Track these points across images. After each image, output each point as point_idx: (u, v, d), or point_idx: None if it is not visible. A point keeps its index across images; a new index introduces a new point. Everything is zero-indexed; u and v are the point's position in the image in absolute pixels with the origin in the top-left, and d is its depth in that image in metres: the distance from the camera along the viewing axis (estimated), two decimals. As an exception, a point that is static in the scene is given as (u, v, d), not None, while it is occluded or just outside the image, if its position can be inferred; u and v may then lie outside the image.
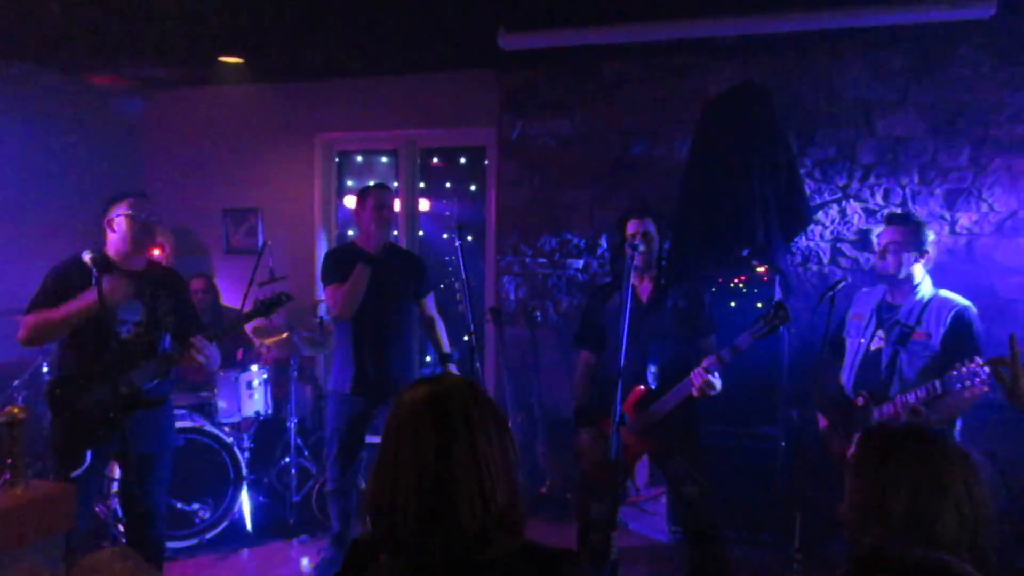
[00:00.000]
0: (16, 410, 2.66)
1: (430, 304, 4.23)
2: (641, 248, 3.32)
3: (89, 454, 3.21)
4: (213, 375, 4.70)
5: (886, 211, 4.71)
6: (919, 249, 3.35)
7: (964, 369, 3.00)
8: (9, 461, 2.68)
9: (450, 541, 1.40)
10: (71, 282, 3.25)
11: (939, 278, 3.46)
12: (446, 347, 4.23)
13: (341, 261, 4.02)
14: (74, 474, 3.17)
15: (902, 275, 3.35)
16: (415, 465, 1.42)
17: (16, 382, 4.78)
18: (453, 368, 4.15)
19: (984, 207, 4.57)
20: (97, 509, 4.13)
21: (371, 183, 4.36)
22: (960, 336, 3.22)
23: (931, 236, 3.41)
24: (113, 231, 3.36)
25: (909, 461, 1.57)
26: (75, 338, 3.29)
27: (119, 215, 3.33)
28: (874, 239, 4.71)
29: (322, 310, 5.24)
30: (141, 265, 3.43)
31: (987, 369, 2.98)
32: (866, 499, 1.58)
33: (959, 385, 3.01)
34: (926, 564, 1.31)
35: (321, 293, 6.00)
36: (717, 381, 3.22)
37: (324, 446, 4.73)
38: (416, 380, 1.56)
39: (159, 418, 3.43)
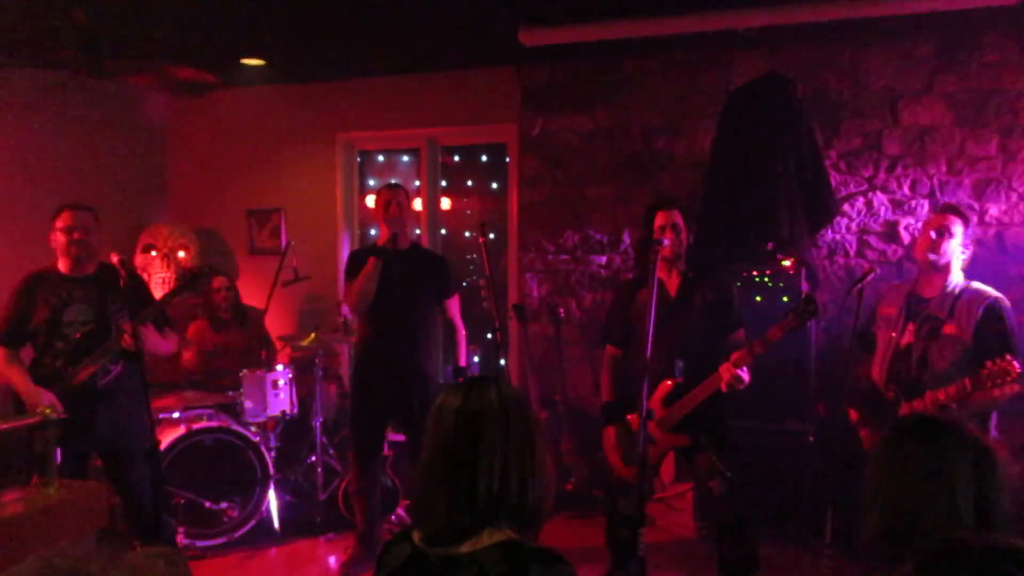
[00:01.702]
0: (47, 410, 2.69)
1: (452, 308, 4.22)
2: (667, 242, 3.30)
3: (59, 453, 3.28)
4: (239, 377, 4.76)
5: (913, 202, 4.65)
6: (966, 246, 3.32)
7: (995, 367, 2.95)
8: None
9: (459, 512, 1.53)
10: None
11: (969, 269, 3.41)
12: (462, 360, 4.22)
13: (358, 260, 4.06)
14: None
15: (943, 263, 3.31)
16: (447, 443, 1.58)
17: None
18: None
19: (1014, 197, 4.49)
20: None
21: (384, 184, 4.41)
22: (992, 329, 3.17)
23: (972, 234, 3.42)
24: (53, 246, 3.58)
25: (906, 444, 1.54)
26: (31, 344, 3.56)
27: (53, 230, 3.54)
28: (902, 231, 4.66)
29: (345, 309, 5.26)
30: (92, 270, 3.62)
31: (1019, 366, 2.93)
32: (868, 485, 1.56)
33: (990, 383, 2.96)
34: (999, 549, 1.26)
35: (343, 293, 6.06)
36: (745, 375, 3.20)
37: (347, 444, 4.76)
38: (456, 386, 1.67)
39: (125, 415, 3.57)
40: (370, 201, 6.17)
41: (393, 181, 4.60)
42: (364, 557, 4.12)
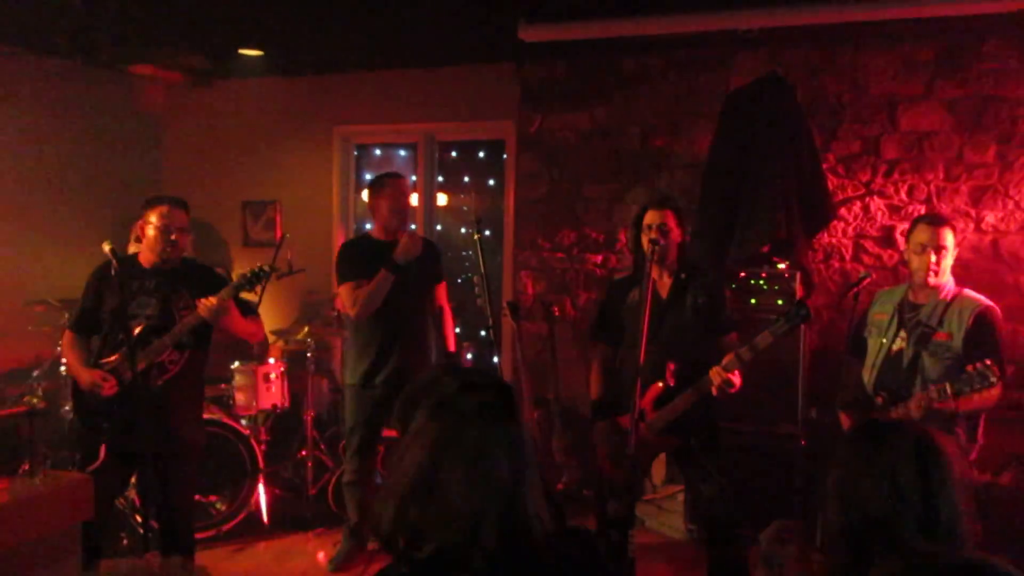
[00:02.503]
0: (35, 400, 2.67)
1: (441, 294, 4.15)
2: (660, 241, 3.27)
3: (103, 449, 3.23)
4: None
5: (910, 208, 4.64)
6: (952, 250, 3.30)
7: (974, 371, 2.95)
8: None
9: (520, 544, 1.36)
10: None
11: (964, 276, 3.40)
12: (451, 345, 4.18)
13: (357, 257, 3.94)
14: (89, 469, 3.18)
15: (944, 278, 3.28)
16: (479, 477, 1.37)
17: (35, 373, 4.81)
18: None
19: (1010, 204, 4.48)
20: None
21: (385, 173, 4.27)
22: (982, 337, 3.16)
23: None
24: (143, 237, 3.42)
25: (855, 442, 1.67)
26: (96, 334, 3.42)
27: (149, 224, 3.37)
28: (898, 236, 4.65)
29: (339, 303, 5.24)
30: (173, 263, 3.43)
31: (997, 370, 2.92)
32: (823, 484, 1.67)
33: (968, 387, 2.95)
34: (970, 565, 1.28)
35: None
36: (736, 379, 3.18)
37: (344, 440, 4.72)
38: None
39: (176, 416, 3.39)
40: (366, 194, 6.15)
41: (413, 178, 4.45)
42: (355, 551, 4.09)
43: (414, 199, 6.06)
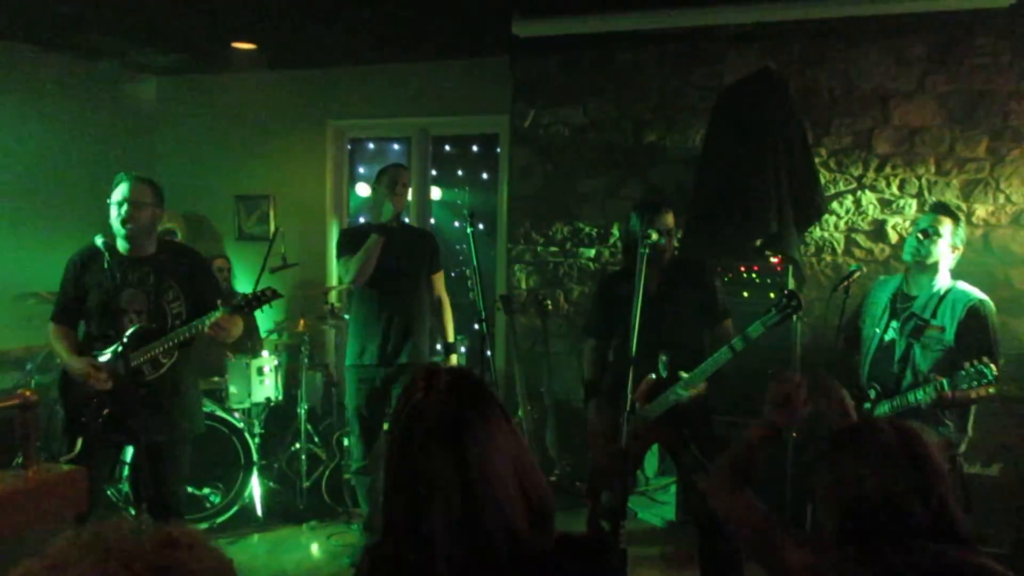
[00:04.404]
0: (28, 393, 2.67)
1: (438, 283, 4.19)
2: (662, 242, 3.29)
3: (80, 441, 3.15)
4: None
5: (901, 202, 4.67)
6: (956, 246, 3.32)
7: (972, 368, 2.96)
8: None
9: (496, 542, 1.31)
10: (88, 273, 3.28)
11: (956, 270, 3.42)
12: (450, 335, 4.20)
13: (355, 236, 4.02)
14: (63, 459, 3.11)
15: (930, 261, 3.30)
16: (449, 474, 1.33)
17: (28, 366, 4.81)
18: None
19: (1001, 198, 4.52)
20: (108, 493, 4.16)
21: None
22: (974, 331, 3.18)
23: (963, 234, 3.38)
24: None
25: (838, 442, 1.69)
26: (86, 327, 3.33)
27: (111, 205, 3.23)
28: (889, 230, 4.68)
29: (332, 297, 5.25)
30: (152, 249, 3.31)
31: (994, 369, 2.94)
32: (821, 486, 1.71)
33: (966, 384, 2.97)
34: (963, 565, 1.29)
35: (332, 280, 6.04)
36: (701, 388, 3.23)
37: (346, 427, 4.72)
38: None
39: (173, 406, 3.31)
40: (362, 188, 6.16)
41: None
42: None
43: (408, 194, 6.05)
